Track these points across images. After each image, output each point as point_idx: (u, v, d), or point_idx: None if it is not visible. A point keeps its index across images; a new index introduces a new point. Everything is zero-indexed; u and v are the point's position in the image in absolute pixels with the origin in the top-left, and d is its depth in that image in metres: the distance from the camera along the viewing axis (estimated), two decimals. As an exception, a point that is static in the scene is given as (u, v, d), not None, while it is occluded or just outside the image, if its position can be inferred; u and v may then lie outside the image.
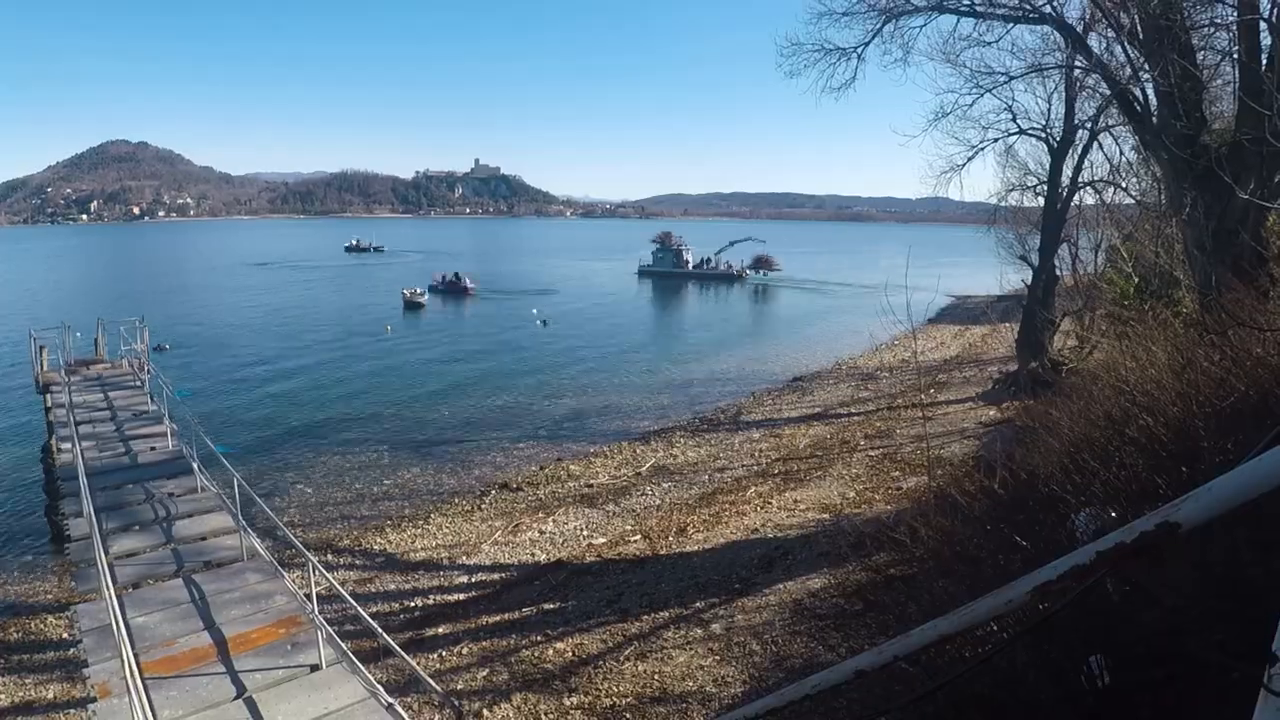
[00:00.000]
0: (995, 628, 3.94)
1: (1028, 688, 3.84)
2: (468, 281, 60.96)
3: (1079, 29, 14.90)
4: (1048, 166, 23.23)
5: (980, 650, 3.55)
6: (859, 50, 15.47)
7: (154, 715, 6.07)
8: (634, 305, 60.15)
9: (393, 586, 12.42)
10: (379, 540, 14.53)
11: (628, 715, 8.14)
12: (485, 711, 8.36)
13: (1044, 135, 22.81)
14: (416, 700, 8.54)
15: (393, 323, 45.64)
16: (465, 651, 9.82)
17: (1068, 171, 22.95)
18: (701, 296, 67.60)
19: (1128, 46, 11.60)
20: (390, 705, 6.37)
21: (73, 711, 9.00)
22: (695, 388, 29.03)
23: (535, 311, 48.74)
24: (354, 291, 64.45)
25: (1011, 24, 14.64)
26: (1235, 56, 10.36)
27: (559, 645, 9.75)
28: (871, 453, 18.54)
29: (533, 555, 13.38)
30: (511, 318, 48.53)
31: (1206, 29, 10.90)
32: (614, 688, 8.66)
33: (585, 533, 14.36)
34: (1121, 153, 21.49)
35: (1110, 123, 20.81)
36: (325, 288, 68.09)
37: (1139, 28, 11.02)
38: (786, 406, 25.22)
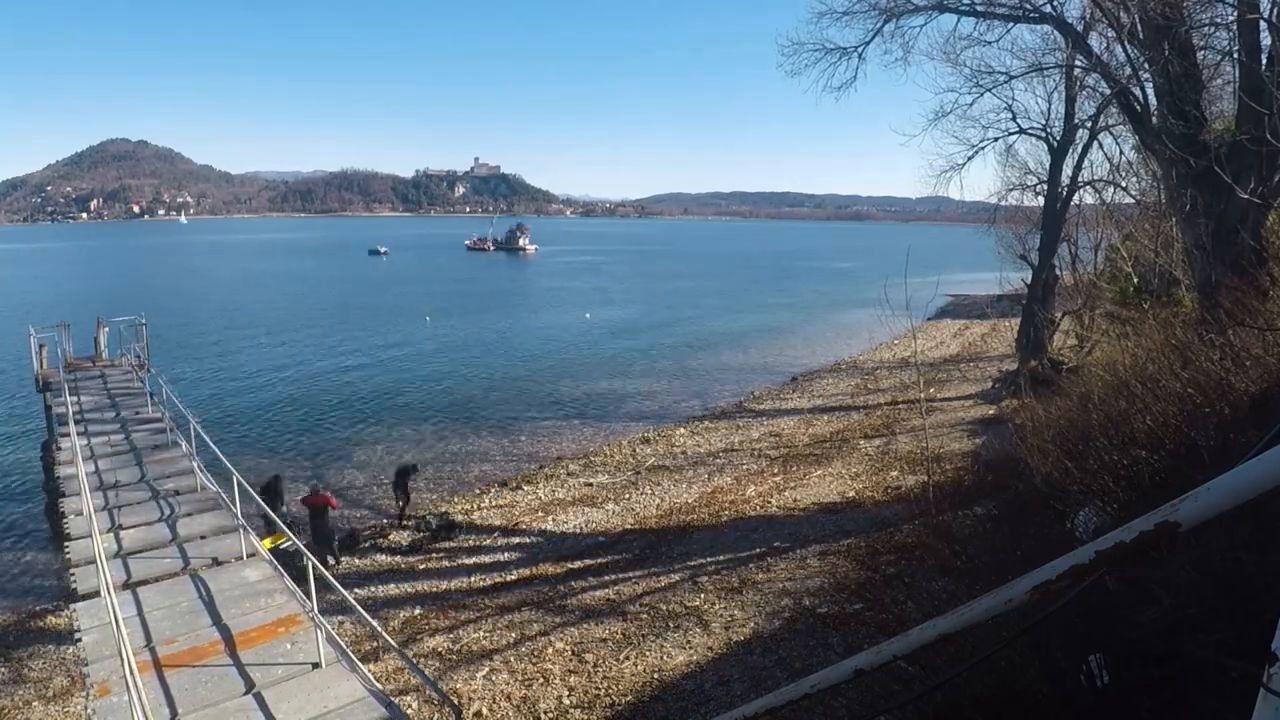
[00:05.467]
0: (995, 627, 3.94)
1: (1027, 687, 3.84)
2: None
3: (1079, 28, 14.93)
4: (1048, 166, 23.25)
5: (979, 650, 3.55)
6: (860, 50, 15.51)
7: (153, 714, 6.07)
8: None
9: (392, 585, 12.42)
10: (378, 539, 14.52)
11: (626, 714, 8.15)
12: (485, 710, 8.37)
13: (1044, 135, 22.84)
14: (416, 699, 8.55)
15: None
16: (465, 650, 9.82)
17: (1068, 171, 22.98)
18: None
19: (1128, 46, 11.61)
20: (390, 704, 6.38)
21: (73, 710, 9.00)
22: (695, 386, 29.01)
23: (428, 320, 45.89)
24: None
25: (1012, 23, 14.67)
26: (1235, 55, 10.36)
27: (558, 645, 9.75)
28: (871, 451, 18.55)
29: (532, 554, 13.38)
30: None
31: (1206, 28, 10.91)
32: (613, 686, 8.66)
33: (585, 532, 14.36)
34: (1121, 152, 21.54)
35: (1110, 122, 20.86)
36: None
37: (1139, 27, 11.03)
38: (786, 405, 25.22)
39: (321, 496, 13.59)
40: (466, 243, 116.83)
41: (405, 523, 15.17)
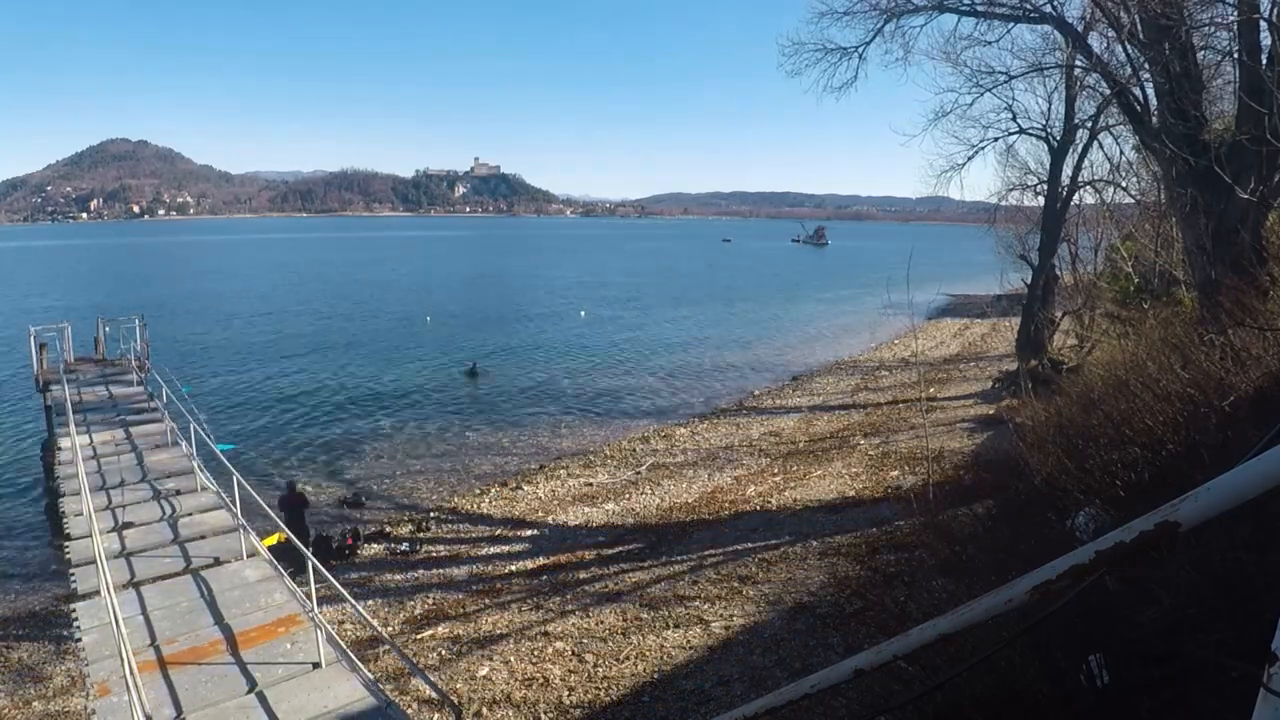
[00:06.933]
0: (995, 627, 3.94)
1: (1027, 687, 3.85)
2: None
3: (1079, 28, 14.92)
4: (1048, 166, 23.24)
5: (980, 650, 3.55)
6: (860, 50, 15.51)
7: (154, 714, 6.07)
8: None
9: (393, 585, 12.42)
10: (377, 539, 14.51)
11: (626, 714, 8.15)
12: (485, 710, 8.37)
13: (1044, 134, 22.82)
14: (416, 699, 8.55)
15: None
16: (465, 649, 9.83)
17: (1068, 171, 22.95)
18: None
19: (1128, 46, 11.61)
20: (390, 703, 6.38)
21: (73, 710, 9.00)
22: (695, 385, 29.02)
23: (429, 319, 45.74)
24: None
25: (1012, 23, 14.67)
26: (1235, 55, 10.37)
27: (559, 644, 9.76)
28: (871, 451, 18.55)
29: (532, 554, 13.39)
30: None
31: (1206, 28, 10.91)
32: (613, 685, 8.67)
33: (585, 532, 14.36)
34: (1121, 152, 21.54)
35: (1110, 122, 20.85)
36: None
37: (1139, 27, 11.03)
38: (787, 404, 25.22)
39: (298, 495, 13.70)
40: (792, 239, 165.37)
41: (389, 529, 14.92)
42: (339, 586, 7.12)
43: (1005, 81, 17.33)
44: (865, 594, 9.81)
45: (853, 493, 15.41)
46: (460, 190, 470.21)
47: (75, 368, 19.53)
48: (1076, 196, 23.75)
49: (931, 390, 24.12)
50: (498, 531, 14.68)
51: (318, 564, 7.27)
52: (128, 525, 10.00)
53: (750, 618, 9.90)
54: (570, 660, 9.34)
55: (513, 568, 12.83)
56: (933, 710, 4.34)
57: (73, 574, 8.61)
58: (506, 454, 20.52)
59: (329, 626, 7.24)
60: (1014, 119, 22.07)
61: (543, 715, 8.24)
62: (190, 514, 10.43)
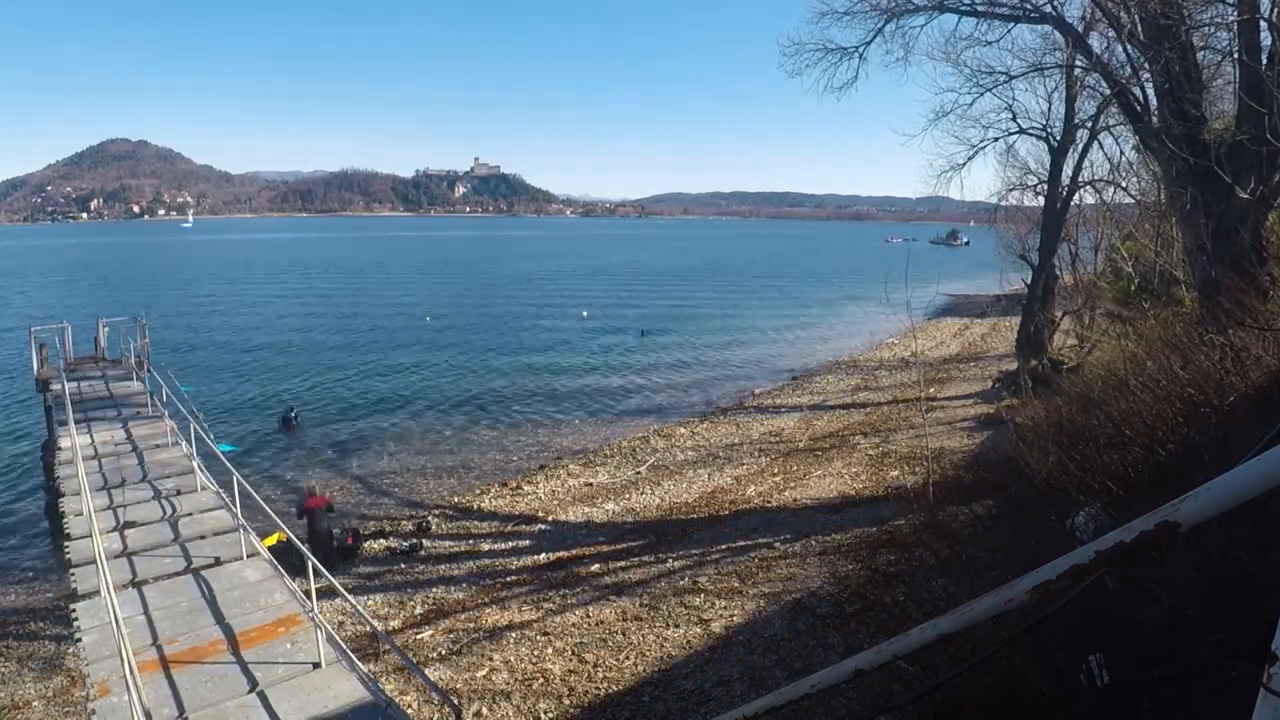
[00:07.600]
0: (995, 627, 3.94)
1: (1027, 687, 3.85)
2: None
3: (1079, 28, 14.95)
4: (1048, 166, 23.23)
5: (980, 650, 3.55)
6: (860, 50, 15.52)
7: (154, 713, 6.07)
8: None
9: (393, 584, 12.43)
10: (378, 538, 14.51)
11: (626, 713, 8.15)
12: (484, 710, 8.37)
13: (1044, 134, 22.81)
14: (416, 698, 8.56)
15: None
16: (465, 648, 9.83)
17: (1068, 171, 22.95)
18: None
19: (1128, 46, 11.62)
20: (390, 703, 6.39)
21: (73, 710, 9.00)
22: (695, 386, 29.02)
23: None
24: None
25: (1012, 23, 14.68)
26: (1235, 55, 10.37)
27: (559, 643, 9.76)
28: (871, 451, 18.55)
29: (531, 554, 13.39)
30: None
31: (1206, 28, 10.92)
32: (613, 687, 8.67)
33: (585, 531, 14.36)
34: (1121, 152, 21.53)
35: (1110, 122, 20.83)
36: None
37: (1139, 27, 11.04)
38: (787, 403, 25.22)
39: (319, 499, 13.59)
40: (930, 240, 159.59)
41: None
42: (338, 586, 7.12)
43: (1005, 81, 17.36)
44: (865, 594, 9.81)
45: (853, 492, 15.41)
46: (460, 190, 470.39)
47: (75, 367, 19.52)
48: (1076, 196, 23.75)
49: (931, 390, 24.10)
50: (498, 530, 14.67)
51: (318, 564, 7.27)
52: (128, 525, 9.99)
53: (750, 617, 9.90)
54: (570, 659, 9.34)
55: (513, 566, 12.83)
56: (933, 710, 4.34)
57: (73, 574, 8.60)
58: (507, 453, 20.52)
59: (329, 626, 7.25)
60: (1014, 119, 22.08)
61: (542, 714, 8.24)
62: (190, 514, 10.42)
